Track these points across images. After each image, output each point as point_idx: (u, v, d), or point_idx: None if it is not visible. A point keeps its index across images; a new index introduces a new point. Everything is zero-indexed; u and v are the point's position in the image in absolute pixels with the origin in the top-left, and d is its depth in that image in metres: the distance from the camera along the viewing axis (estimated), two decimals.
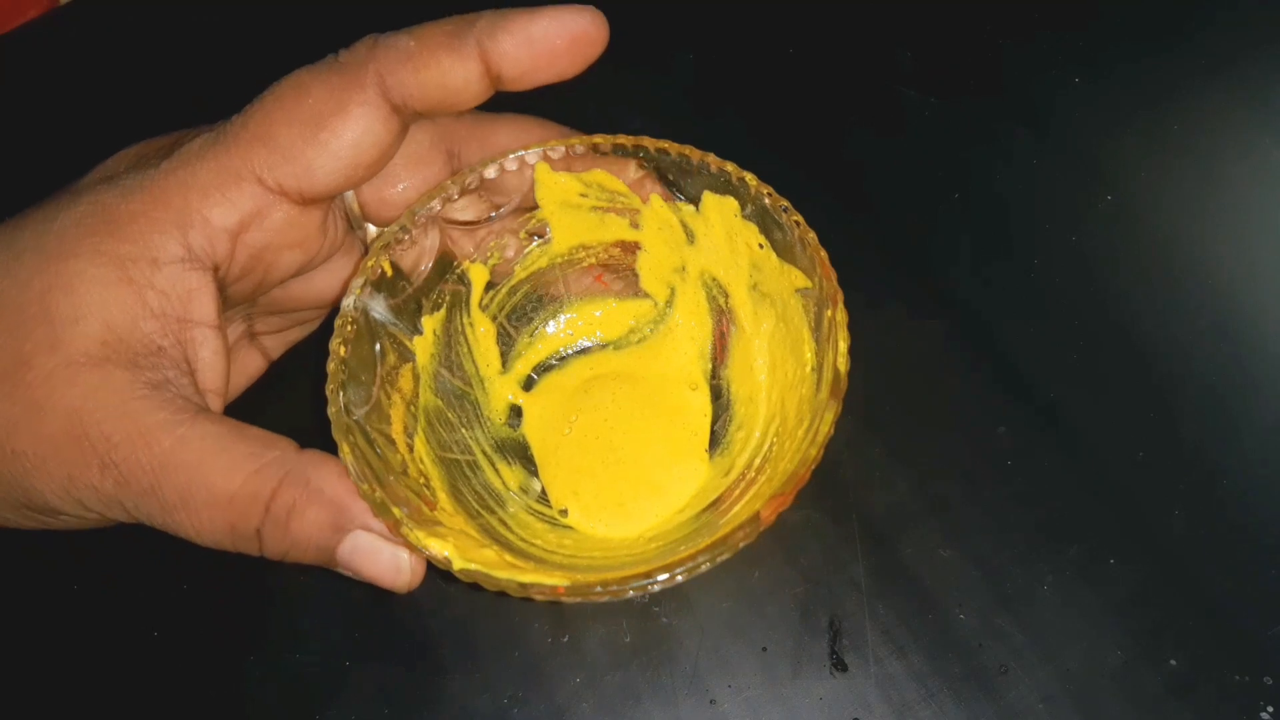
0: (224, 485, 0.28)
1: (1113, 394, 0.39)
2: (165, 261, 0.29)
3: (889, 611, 0.35)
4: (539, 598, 0.27)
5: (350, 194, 0.34)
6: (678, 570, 0.27)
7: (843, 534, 0.36)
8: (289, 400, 0.38)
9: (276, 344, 0.38)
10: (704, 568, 0.27)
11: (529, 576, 0.27)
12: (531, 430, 0.37)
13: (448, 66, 0.30)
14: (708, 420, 0.37)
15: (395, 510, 0.28)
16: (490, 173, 0.33)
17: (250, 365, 0.38)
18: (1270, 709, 0.33)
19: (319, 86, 0.30)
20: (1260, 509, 0.36)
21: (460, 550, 0.27)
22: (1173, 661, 0.34)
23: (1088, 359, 0.39)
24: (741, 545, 0.27)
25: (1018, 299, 0.41)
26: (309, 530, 0.28)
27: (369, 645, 0.36)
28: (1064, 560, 0.35)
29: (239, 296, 0.33)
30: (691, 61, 0.49)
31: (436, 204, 0.33)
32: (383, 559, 0.28)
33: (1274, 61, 0.46)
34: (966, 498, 0.37)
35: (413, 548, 0.28)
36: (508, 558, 0.30)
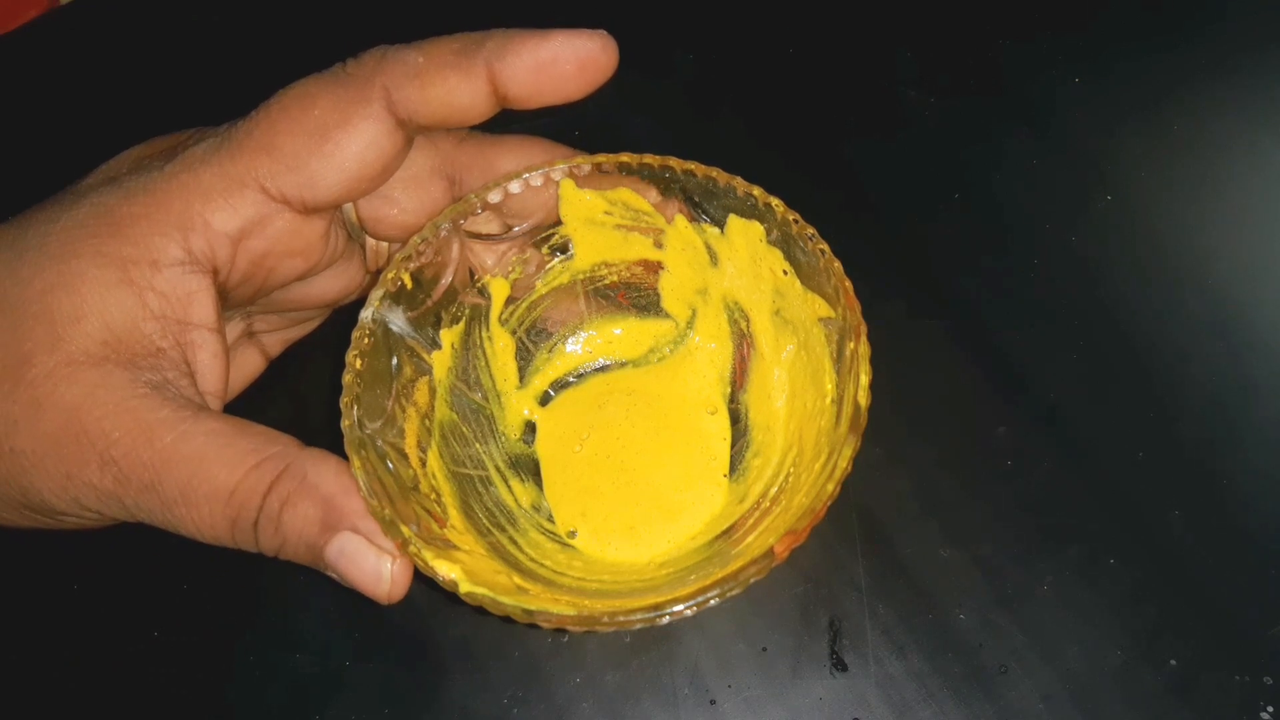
0: (225, 479, 0.28)
1: (1113, 394, 0.39)
2: (165, 264, 0.29)
3: (889, 611, 0.35)
4: (545, 625, 0.26)
5: (349, 205, 0.34)
6: (686, 605, 0.26)
7: (843, 534, 0.36)
8: (291, 402, 0.38)
9: (275, 342, 0.38)
10: (713, 602, 0.26)
11: (535, 604, 0.27)
12: (543, 447, 0.37)
13: (455, 84, 0.30)
14: (726, 445, 0.36)
15: (404, 529, 0.27)
16: (515, 187, 0.33)
17: (249, 364, 0.38)
18: (1270, 709, 0.33)
19: (325, 97, 0.30)
20: (1260, 508, 0.36)
21: (467, 573, 0.27)
22: (1173, 661, 0.34)
23: (1088, 359, 0.39)
24: (752, 582, 0.27)
25: (1018, 299, 0.41)
26: (299, 525, 0.28)
27: (369, 645, 0.36)
28: (1064, 560, 0.35)
29: (240, 300, 0.33)
30: (691, 61, 0.49)
31: (459, 217, 0.32)
32: (366, 565, 0.28)
33: (1274, 61, 0.47)
34: (966, 498, 0.37)
35: (422, 569, 0.27)
36: (516, 579, 0.30)
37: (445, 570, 0.27)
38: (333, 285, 0.35)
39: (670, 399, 0.37)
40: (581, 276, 0.37)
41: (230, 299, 0.32)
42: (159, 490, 0.28)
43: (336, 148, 0.30)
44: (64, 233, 0.29)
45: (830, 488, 0.28)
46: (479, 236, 0.34)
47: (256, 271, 0.32)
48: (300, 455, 0.28)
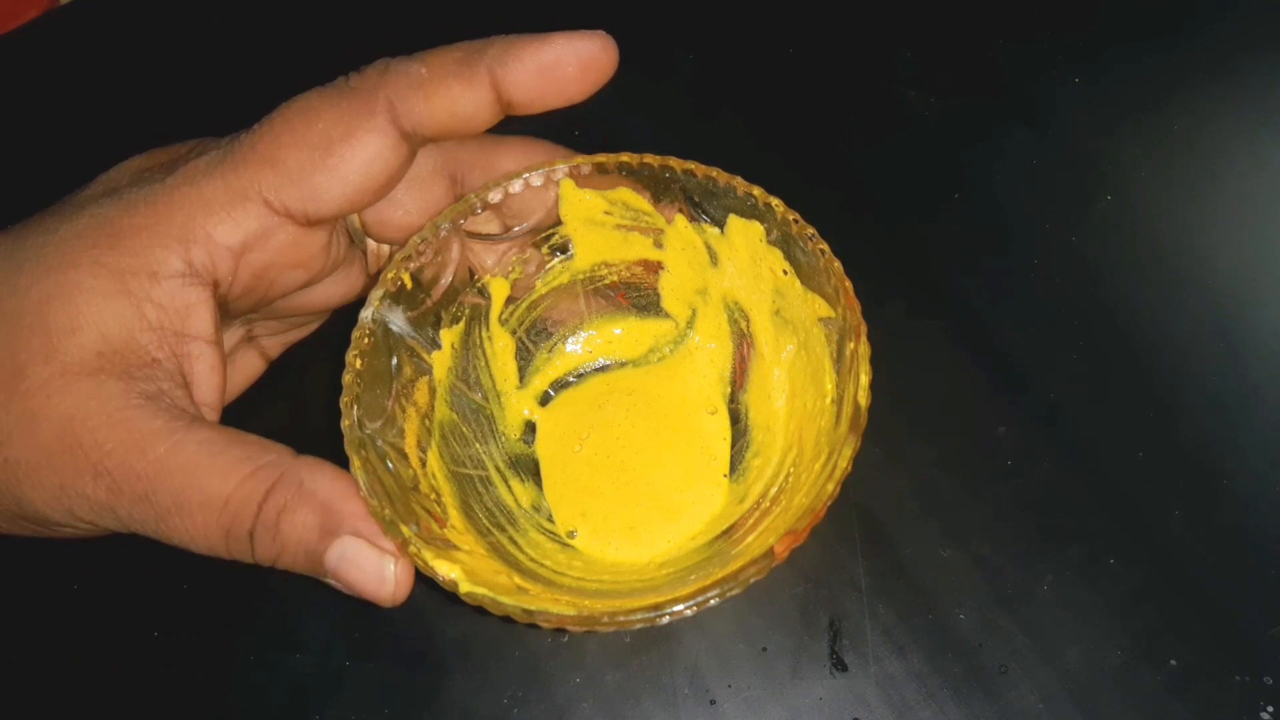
0: (219, 488, 0.28)
1: (1113, 394, 0.39)
2: (165, 276, 0.29)
3: (889, 611, 0.35)
4: (545, 625, 0.26)
5: None
6: (686, 605, 0.26)
7: (843, 534, 0.36)
8: (291, 403, 0.38)
9: (275, 345, 0.38)
10: (713, 602, 0.27)
11: (536, 604, 0.27)
12: (543, 447, 0.37)
13: (458, 94, 0.30)
14: (727, 445, 0.36)
15: (404, 529, 0.27)
16: (515, 187, 0.33)
17: (249, 366, 0.38)
18: (1270, 709, 0.33)
19: (329, 111, 0.30)
20: (1260, 509, 0.36)
21: (467, 573, 0.27)
22: (1173, 661, 0.34)
23: (1088, 359, 0.39)
24: (752, 582, 0.27)
25: (1018, 299, 0.41)
26: (298, 532, 0.28)
27: (369, 645, 0.36)
28: (1064, 560, 0.35)
29: (240, 311, 0.33)
30: (691, 61, 0.49)
31: (459, 217, 0.32)
32: (369, 567, 0.28)
33: (1274, 61, 0.46)
34: (966, 498, 0.37)
35: (422, 569, 0.27)
36: (516, 579, 0.30)
37: (445, 570, 0.27)
38: (334, 291, 0.35)
39: (670, 399, 0.37)
40: (581, 276, 0.37)
41: (230, 310, 0.32)
42: (153, 500, 0.28)
43: (340, 161, 0.30)
44: (62, 243, 0.29)
45: (830, 488, 0.28)
46: (479, 236, 0.34)
47: (258, 284, 0.32)
48: (295, 463, 0.28)
